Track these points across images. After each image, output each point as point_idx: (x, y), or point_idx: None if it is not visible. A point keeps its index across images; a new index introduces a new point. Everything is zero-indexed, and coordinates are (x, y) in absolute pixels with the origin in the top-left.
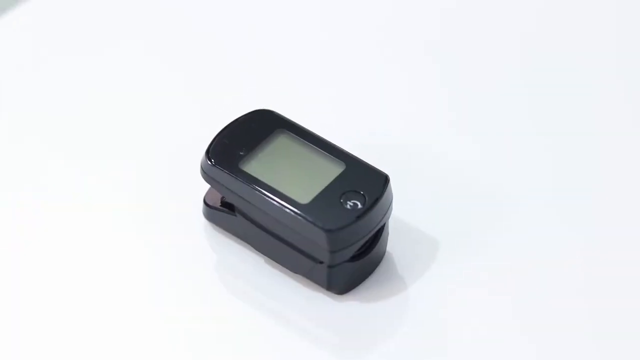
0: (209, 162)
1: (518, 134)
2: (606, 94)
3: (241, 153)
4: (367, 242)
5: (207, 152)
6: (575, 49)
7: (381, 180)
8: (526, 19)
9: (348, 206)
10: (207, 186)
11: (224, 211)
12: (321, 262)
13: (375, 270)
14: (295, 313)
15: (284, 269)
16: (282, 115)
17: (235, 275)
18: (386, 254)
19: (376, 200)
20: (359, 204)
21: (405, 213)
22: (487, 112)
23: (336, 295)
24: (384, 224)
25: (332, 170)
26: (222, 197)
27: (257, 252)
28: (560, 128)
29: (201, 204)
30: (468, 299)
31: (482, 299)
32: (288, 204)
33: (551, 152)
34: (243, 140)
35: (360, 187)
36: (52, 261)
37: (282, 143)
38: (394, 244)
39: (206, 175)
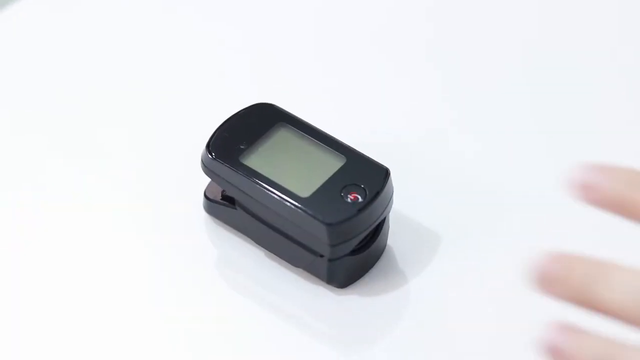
0: (210, 156)
1: (519, 132)
2: (608, 92)
3: (242, 146)
4: (367, 235)
5: (208, 145)
6: (577, 47)
7: (382, 174)
8: (528, 17)
9: (349, 200)
10: (208, 180)
11: (225, 205)
12: (321, 256)
13: (376, 264)
14: (296, 307)
15: (284, 262)
16: (282, 109)
17: (236, 269)
18: (387, 247)
19: (377, 194)
20: (359, 197)
21: (406, 207)
22: (488, 109)
23: (336, 289)
24: (385, 218)
25: (333, 163)
26: (223, 191)
27: (257, 245)
28: (562, 126)
29: (201, 198)
30: (468, 293)
31: (483, 293)
32: (288, 197)
33: (552, 149)
34: (244, 134)
35: (361, 181)
36: (51, 254)
37: (282, 137)
38: (395, 238)
39: (206, 168)
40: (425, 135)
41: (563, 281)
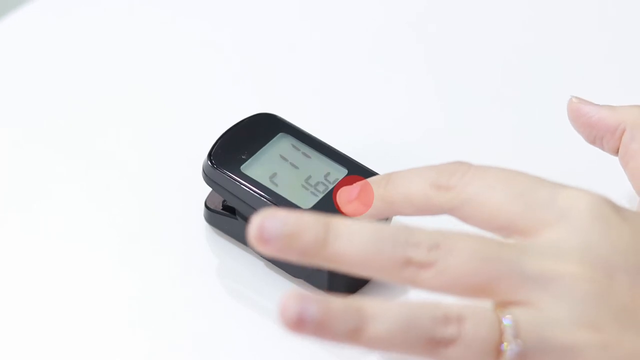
0: (211, 165)
1: (518, 133)
2: (604, 93)
3: (243, 156)
4: None
5: (209, 155)
6: (571, 49)
7: None
8: (521, 21)
9: None
10: (209, 189)
11: (225, 215)
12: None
13: None
14: None
15: (285, 273)
16: (284, 119)
17: (236, 279)
18: None
19: None
20: None
21: (407, 217)
22: (485, 111)
23: None
24: None
25: (334, 175)
26: (224, 201)
27: (257, 255)
28: (560, 127)
29: (202, 207)
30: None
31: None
32: (289, 208)
33: (551, 150)
34: (245, 144)
35: None
36: (50, 264)
37: (284, 147)
38: None
39: (208, 178)
40: (422, 136)
41: (293, 237)
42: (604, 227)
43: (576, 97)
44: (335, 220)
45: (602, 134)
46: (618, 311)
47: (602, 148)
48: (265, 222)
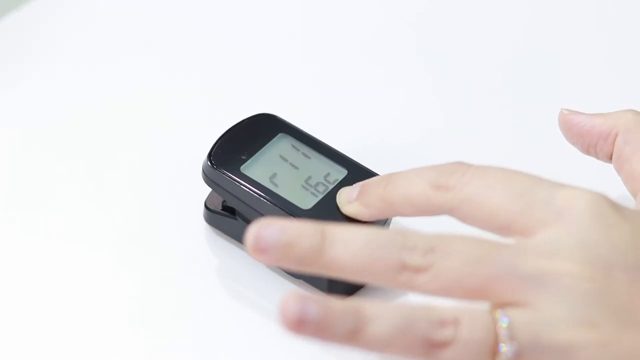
0: (211, 166)
1: (519, 134)
2: (601, 93)
3: (243, 157)
4: None
5: (209, 155)
6: (568, 49)
7: None
8: (522, 19)
9: None
10: (209, 190)
11: (225, 215)
12: None
13: None
14: None
15: (285, 273)
16: (284, 120)
17: (236, 279)
18: None
19: None
20: None
21: (407, 218)
22: (487, 113)
23: None
24: None
25: (334, 175)
26: (223, 201)
27: None
28: (556, 127)
29: (202, 208)
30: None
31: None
32: (289, 209)
33: (550, 152)
34: (245, 144)
35: None
36: (50, 264)
37: (284, 147)
38: None
39: (207, 178)
40: (422, 136)
41: (290, 246)
42: (603, 226)
43: (566, 109)
44: (331, 228)
45: (595, 141)
46: (617, 310)
47: (597, 156)
48: (261, 231)
